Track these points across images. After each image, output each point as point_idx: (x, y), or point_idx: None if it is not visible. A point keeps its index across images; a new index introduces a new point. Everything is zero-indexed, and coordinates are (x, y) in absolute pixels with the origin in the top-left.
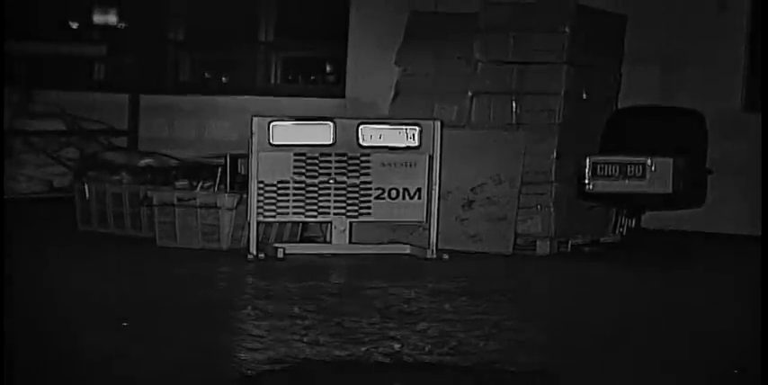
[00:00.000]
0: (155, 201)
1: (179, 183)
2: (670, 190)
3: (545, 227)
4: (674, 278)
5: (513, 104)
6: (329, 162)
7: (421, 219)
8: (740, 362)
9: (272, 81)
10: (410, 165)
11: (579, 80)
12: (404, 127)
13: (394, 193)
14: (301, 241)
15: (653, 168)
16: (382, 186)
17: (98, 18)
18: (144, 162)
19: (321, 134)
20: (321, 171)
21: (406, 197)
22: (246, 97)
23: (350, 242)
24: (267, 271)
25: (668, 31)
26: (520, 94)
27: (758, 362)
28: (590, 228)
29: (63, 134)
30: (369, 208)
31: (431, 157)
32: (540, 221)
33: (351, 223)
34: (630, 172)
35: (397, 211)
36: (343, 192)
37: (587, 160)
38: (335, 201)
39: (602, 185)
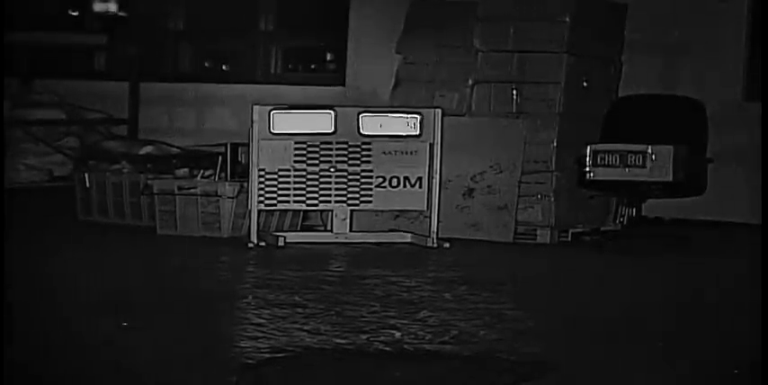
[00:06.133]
0: (155, 190)
1: (179, 172)
2: (670, 178)
3: (545, 215)
4: (674, 267)
5: (514, 93)
6: (330, 150)
7: (422, 208)
8: (740, 352)
9: (273, 70)
10: (411, 154)
11: (579, 69)
12: (404, 115)
13: (395, 182)
14: (302, 229)
15: (653, 157)
16: (383, 174)
17: (98, 7)
18: (144, 151)
19: (322, 122)
20: (322, 159)
21: (407, 185)
22: (247, 86)
23: (350, 230)
24: (268, 259)
25: (669, 20)
26: (520, 82)
27: (759, 353)
28: (590, 217)
29: (63, 123)
30: (370, 196)
31: (431, 146)
32: (541, 210)
33: (351, 211)
34: (631, 160)
35: (398, 200)
36: (344, 180)
37: (588, 149)
38: (336, 190)
39: (603, 174)
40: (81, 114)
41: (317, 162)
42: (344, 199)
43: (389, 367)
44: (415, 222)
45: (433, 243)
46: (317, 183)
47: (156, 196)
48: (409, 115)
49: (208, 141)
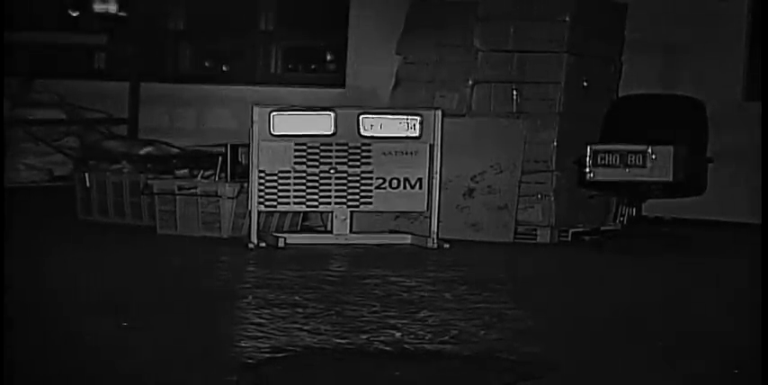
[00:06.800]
0: (155, 190)
1: (180, 172)
2: (671, 178)
3: (546, 215)
4: (674, 267)
5: (514, 93)
6: (330, 151)
7: (422, 209)
8: (740, 352)
9: (273, 70)
10: (411, 155)
11: (580, 69)
12: (405, 117)
13: (395, 183)
14: (302, 230)
15: (653, 157)
16: (383, 176)
17: (99, 7)
18: (144, 151)
19: (322, 124)
20: (322, 160)
21: (407, 186)
22: (247, 86)
23: (351, 231)
24: (268, 260)
25: (669, 20)
26: (520, 82)
27: (759, 350)
28: (590, 217)
29: (63, 123)
30: (370, 197)
31: (431, 147)
32: (541, 210)
33: (352, 213)
34: (631, 160)
35: (398, 201)
36: (344, 181)
37: (588, 148)
38: (336, 191)
39: (603, 174)
40: (81, 114)
41: (317, 163)
42: (344, 200)
43: (389, 367)
44: (416, 223)
45: (433, 243)
46: (316, 184)
47: (156, 196)
48: (409, 116)
49: (208, 142)
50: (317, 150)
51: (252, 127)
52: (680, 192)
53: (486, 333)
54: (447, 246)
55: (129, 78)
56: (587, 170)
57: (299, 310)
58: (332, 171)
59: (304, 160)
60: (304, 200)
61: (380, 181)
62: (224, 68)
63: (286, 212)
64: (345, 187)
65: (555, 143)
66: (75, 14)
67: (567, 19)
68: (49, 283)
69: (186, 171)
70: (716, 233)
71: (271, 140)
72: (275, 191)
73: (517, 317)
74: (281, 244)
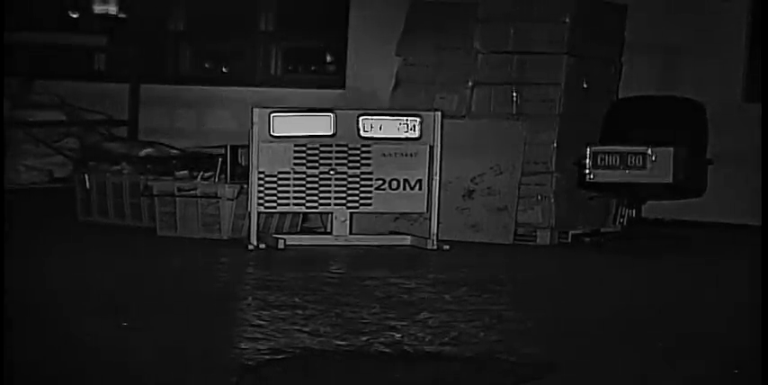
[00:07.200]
0: (155, 191)
1: (179, 174)
2: (671, 180)
3: (545, 217)
4: (674, 268)
5: (514, 94)
6: (330, 153)
7: (421, 210)
8: (740, 352)
9: (273, 72)
10: (411, 156)
11: (579, 70)
12: (404, 118)
13: (395, 184)
14: (302, 231)
15: (653, 158)
16: (383, 177)
17: (99, 8)
18: (144, 152)
19: (322, 125)
20: (322, 162)
21: (407, 188)
22: (247, 88)
23: (350, 233)
24: (268, 261)
25: (668, 21)
26: (520, 84)
27: (759, 350)
28: (590, 219)
29: (63, 124)
30: (369, 198)
31: (431, 148)
32: (541, 211)
33: (351, 214)
34: (631, 162)
35: (398, 202)
36: (344, 182)
37: (588, 150)
38: (336, 192)
39: (603, 175)
40: (81, 115)
41: (316, 164)
42: (344, 201)
43: (389, 368)
44: (415, 224)
45: (432, 245)
46: (316, 185)
47: (156, 197)
48: (409, 118)
49: (208, 143)
50: (317, 151)
51: (252, 128)
52: (680, 193)
53: (486, 334)
54: (447, 247)
55: (129, 79)
56: (587, 171)
57: (299, 312)
58: (331, 172)
59: (304, 161)
60: (304, 201)
61: (380, 182)
62: (224, 70)
63: (286, 213)
64: (345, 188)
65: (555, 144)
66: (75, 15)
67: (567, 20)
68: (49, 284)
69: (186, 172)
70: (716, 234)
71: (270, 141)
72: (275, 192)
73: (517, 319)
74: (280, 245)
